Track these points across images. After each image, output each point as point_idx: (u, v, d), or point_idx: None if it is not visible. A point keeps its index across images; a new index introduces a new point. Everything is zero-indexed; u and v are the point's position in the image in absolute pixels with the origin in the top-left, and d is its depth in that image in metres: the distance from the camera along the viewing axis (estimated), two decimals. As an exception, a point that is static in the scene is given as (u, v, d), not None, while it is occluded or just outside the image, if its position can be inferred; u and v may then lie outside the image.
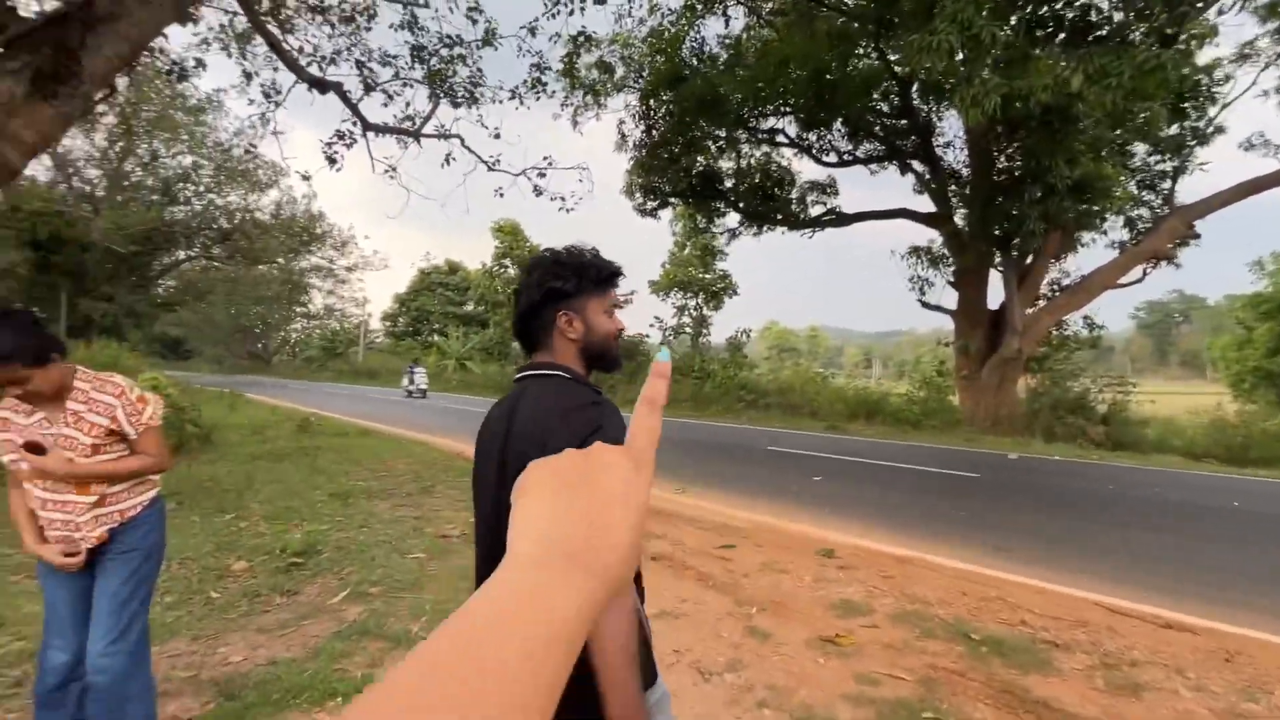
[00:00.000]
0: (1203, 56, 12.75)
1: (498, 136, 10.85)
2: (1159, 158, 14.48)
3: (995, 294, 14.97)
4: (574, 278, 1.22)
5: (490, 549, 1.17)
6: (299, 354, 50.27)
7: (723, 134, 15.95)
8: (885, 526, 5.82)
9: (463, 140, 10.51)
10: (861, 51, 13.92)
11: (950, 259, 16.16)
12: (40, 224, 21.72)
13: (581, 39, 11.17)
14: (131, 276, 27.18)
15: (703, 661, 3.01)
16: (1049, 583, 4.28)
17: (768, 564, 4.50)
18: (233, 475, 6.90)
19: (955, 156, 15.88)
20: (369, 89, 9.95)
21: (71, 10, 5.21)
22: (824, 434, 13.88)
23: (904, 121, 15.56)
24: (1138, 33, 8.05)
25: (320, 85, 8.89)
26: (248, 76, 10.12)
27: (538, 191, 11.13)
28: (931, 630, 3.40)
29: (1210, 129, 13.85)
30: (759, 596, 3.88)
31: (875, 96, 15.24)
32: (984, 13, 7.47)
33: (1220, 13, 9.24)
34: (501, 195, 11.18)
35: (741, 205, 17.87)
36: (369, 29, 9.78)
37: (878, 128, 16.17)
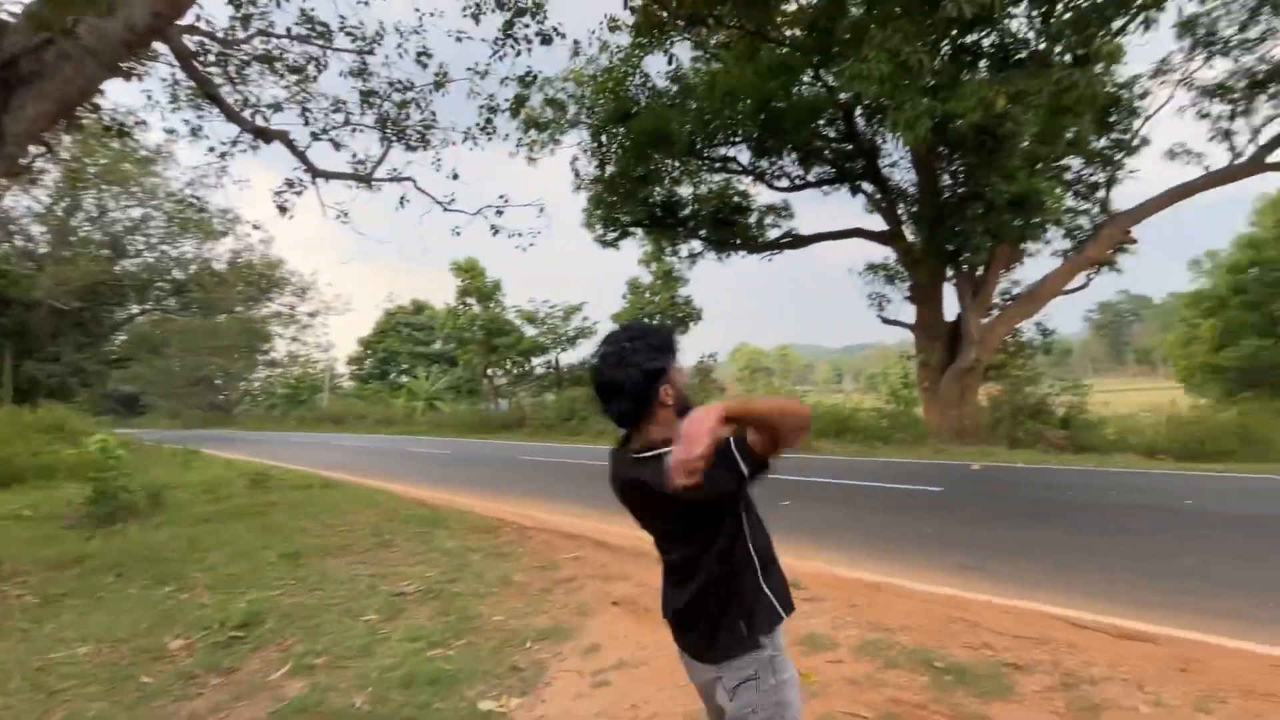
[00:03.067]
0: (1121, 74, 13.48)
1: (456, 177, 10.86)
2: (1091, 169, 15.17)
3: (951, 306, 15.38)
4: (665, 353, 1.43)
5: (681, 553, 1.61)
6: (262, 403, 48.88)
7: (678, 164, 16.22)
8: (854, 550, 5.79)
9: (415, 183, 10.48)
10: (806, 80, 14.38)
11: (905, 275, 16.56)
12: (-22, 285, 20.90)
13: (530, 79, 11.30)
14: (78, 334, 26.15)
15: (660, 716, 2.90)
16: (1012, 599, 4.28)
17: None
18: (175, 541, 6.56)
19: (902, 176, 16.36)
20: (316, 136, 9.88)
21: (-10, 73, 5.07)
22: (792, 455, 13.90)
23: (850, 145, 16.03)
24: (1055, 56, 8.48)
25: (264, 135, 8.80)
26: (194, 131, 9.92)
27: (494, 230, 11.12)
28: (895, 660, 3.35)
29: (1136, 141, 14.58)
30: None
31: (821, 122, 15.70)
32: (911, 42, 7.78)
33: (1125, 33, 9.71)
34: (459, 234, 11.19)
35: (702, 232, 18.10)
36: (316, 79, 9.75)
37: (826, 152, 16.61)
